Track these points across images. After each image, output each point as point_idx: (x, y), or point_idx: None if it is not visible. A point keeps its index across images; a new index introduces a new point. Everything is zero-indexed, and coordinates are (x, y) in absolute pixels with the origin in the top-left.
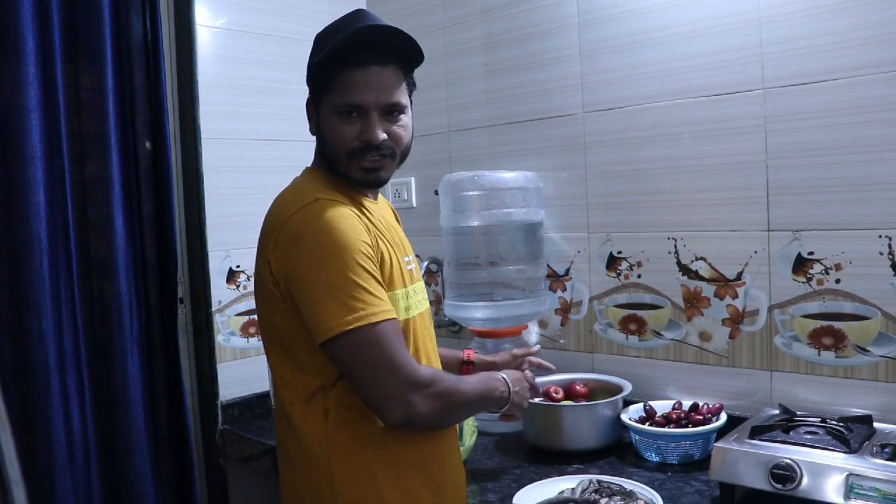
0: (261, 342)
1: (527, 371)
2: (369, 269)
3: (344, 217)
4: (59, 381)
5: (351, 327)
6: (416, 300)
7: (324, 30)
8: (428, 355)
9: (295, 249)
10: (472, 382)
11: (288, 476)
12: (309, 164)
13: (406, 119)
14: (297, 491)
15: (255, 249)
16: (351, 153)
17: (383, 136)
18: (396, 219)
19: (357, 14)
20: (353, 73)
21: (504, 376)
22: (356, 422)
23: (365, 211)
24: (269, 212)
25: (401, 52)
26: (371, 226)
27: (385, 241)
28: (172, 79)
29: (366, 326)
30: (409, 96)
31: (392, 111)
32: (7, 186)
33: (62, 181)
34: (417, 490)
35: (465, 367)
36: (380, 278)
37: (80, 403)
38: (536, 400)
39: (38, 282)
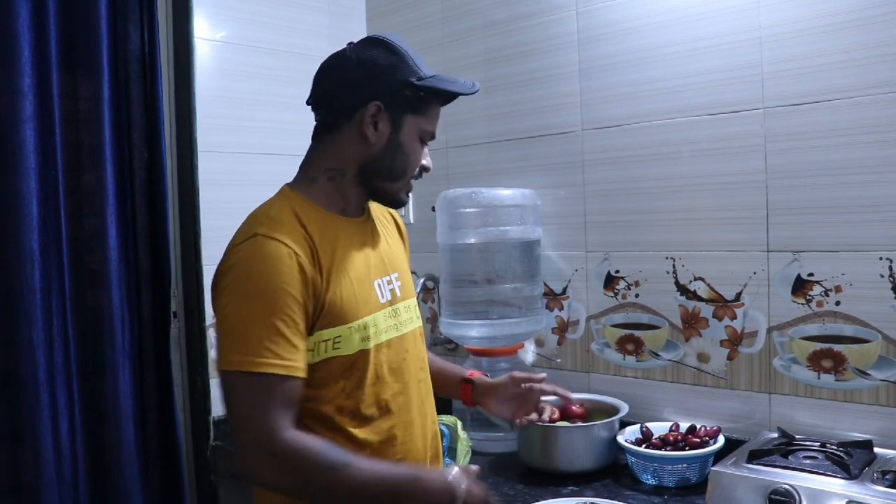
0: None
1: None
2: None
3: (272, 259)
4: (49, 394)
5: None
6: (389, 324)
7: (403, 48)
8: (404, 381)
9: (222, 280)
10: (369, 472)
11: None
12: None
13: None
14: None
15: None
16: (415, 176)
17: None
18: (399, 230)
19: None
20: (439, 110)
21: (452, 478)
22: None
23: (324, 235)
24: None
25: None
26: (313, 260)
27: (340, 271)
28: (170, 91)
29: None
30: None
31: None
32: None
33: (56, 192)
34: None
35: (464, 384)
36: (300, 325)
37: (70, 417)
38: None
39: (30, 293)
